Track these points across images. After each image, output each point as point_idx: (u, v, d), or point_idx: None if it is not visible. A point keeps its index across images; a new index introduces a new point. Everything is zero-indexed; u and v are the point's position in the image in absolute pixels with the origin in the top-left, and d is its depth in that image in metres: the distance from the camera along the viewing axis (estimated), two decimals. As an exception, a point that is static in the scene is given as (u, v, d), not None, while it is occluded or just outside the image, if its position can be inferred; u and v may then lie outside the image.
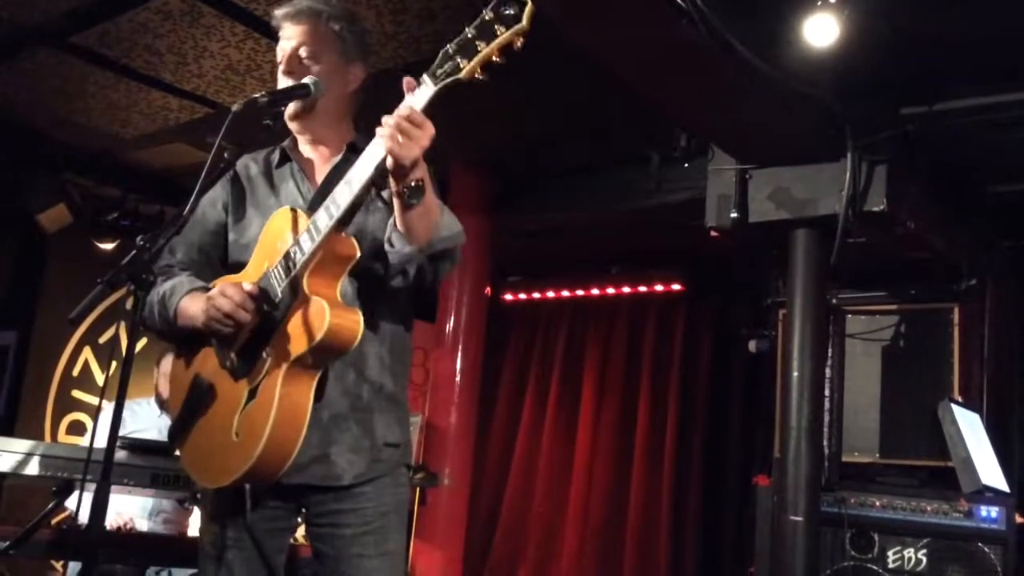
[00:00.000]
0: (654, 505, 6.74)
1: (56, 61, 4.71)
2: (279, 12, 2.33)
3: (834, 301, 4.31)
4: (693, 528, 6.65)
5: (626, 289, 7.08)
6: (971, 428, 4.06)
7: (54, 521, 3.33)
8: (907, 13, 3.30)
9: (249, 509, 2.16)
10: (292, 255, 2.08)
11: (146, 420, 4.37)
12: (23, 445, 3.04)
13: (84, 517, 2.28)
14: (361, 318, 2.07)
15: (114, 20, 4.23)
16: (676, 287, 6.84)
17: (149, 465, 3.11)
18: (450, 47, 1.92)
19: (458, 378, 5.65)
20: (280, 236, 2.16)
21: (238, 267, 2.30)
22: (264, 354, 2.09)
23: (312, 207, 2.24)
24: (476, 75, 1.90)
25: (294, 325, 2.06)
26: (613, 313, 7.31)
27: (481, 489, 7.03)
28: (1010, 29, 3.36)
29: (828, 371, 4.11)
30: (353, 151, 2.33)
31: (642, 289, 7.01)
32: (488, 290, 6.00)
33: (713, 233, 4.14)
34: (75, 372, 6.61)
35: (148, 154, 5.95)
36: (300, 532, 2.99)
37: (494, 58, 1.89)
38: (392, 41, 4.16)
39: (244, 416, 2.10)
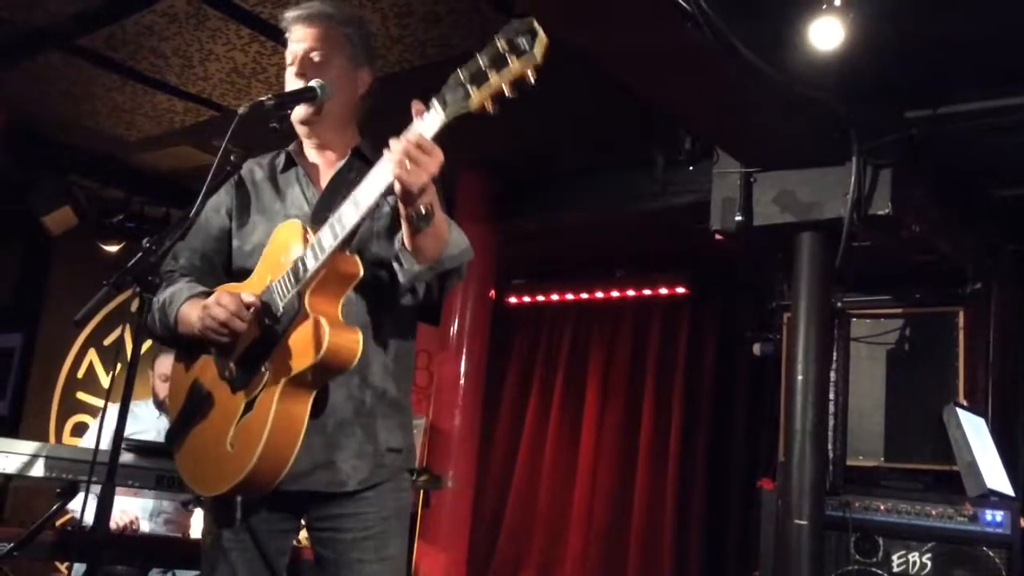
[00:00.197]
0: (658, 508, 6.73)
1: (62, 63, 4.73)
2: (290, 14, 2.33)
3: (839, 304, 4.30)
4: (697, 531, 6.64)
5: (630, 292, 7.09)
6: (976, 432, 4.05)
7: (58, 523, 3.33)
8: (912, 16, 3.30)
9: (239, 519, 2.17)
10: (295, 271, 2.08)
11: (146, 422, 4.38)
12: (28, 447, 3.04)
13: (88, 519, 2.29)
14: (361, 338, 2.07)
15: (120, 23, 4.24)
16: (680, 290, 6.84)
17: (154, 467, 3.11)
18: (461, 72, 1.88)
19: (462, 381, 5.65)
20: (284, 249, 2.16)
21: (242, 273, 2.30)
22: (263, 368, 2.10)
23: (317, 212, 2.25)
24: (486, 106, 1.88)
25: (294, 342, 2.06)
26: (617, 316, 7.31)
27: (485, 491, 7.03)
28: (1015, 32, 3.36)
29: (833, 375, 4.11)
30: (358, 156, 2.34)
31: (646, 292, 7.01)
32: (492, 293, 6.00)
33: (718, 236, 4.14)
34: (80, 374, 6.63)
35: (153, 157, 5.96)
36: (303, 535, 2.99)
37: (504, 91, 1.86)
38: (397, 44, 4.17)
39: (240, 428, 2.10)
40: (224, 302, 2.09)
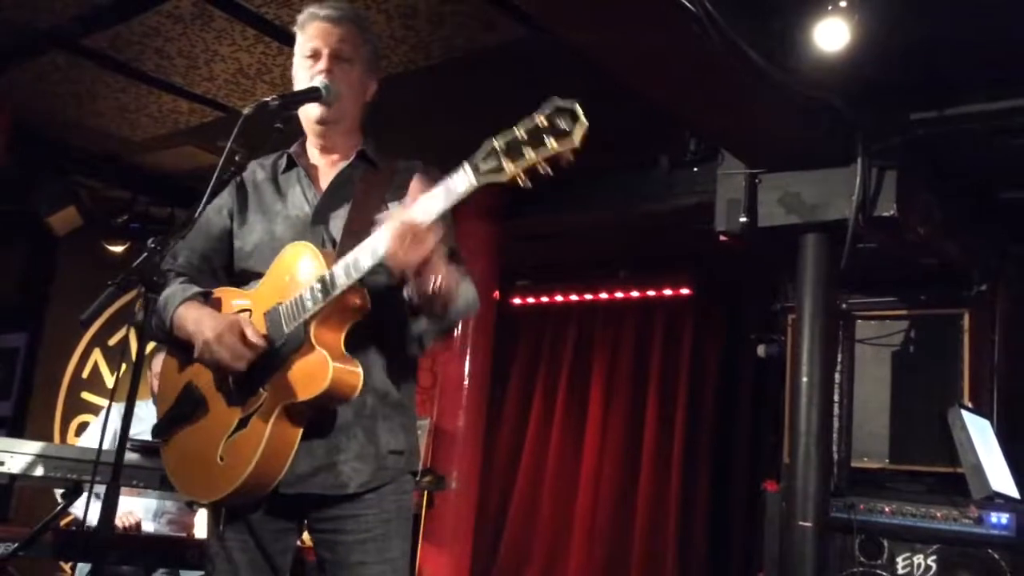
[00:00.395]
0: (662, 509, 6.73)
1: (67, 64, 4.73)
2: (320, 12, 2.32)
3: (844, 306, 4.30)
4: (701, 533, 6.63)
5: (634, 293, 7.08)
6: (981, 434, 4.04)
7: (62, 523, 3.34)
8: (917, 18, 3.29)
9: (222, 527, 2.19)
10: (304, 302, 2.08)
11: (147, 422, 4.34)
12: (33, 447, 3.05)
13: (91, 520, 2.29)
14: (361, 372, 2.09)
15: (126, 23, 4.24)
16: (685, 291, 6.83)
17: (157, 467, 3.11)
18: (496, 142, 1.90)
19: (466, 382, 5.65)
20: (294, 272, 2.15)
21: (243, 275, 2.30)
22: (262, 390, 2.11)
23: (317, 214, 2.26)
24: (519, 180, 1.89)
25: (296, 372, 2.07)
26: (621, 317, 7.31)
27: (489, 492, 7.03)
28: (1021, 34, 3.35)
29: (838, 376, 4.10)
30: (363, 159, 2.36)
31: (651, 293, 7.00)
32: (496, 294, 6.00)
33: (722, 237, 4.13)
34: (85, 374, 6.63)
35: (158, 157, 5.97)
36: (306, 536, 3.00)
37: (539, 169, 1.87)
38: (402, 45, 4.17)
39: (231, 443, 2.12)
40: (229, 344, 2.09)
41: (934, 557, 3.78)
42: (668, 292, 6.90)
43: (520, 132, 1.88)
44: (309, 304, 2.07)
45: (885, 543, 3.88)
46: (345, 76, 2.29)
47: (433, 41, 4.12)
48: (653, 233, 6.02)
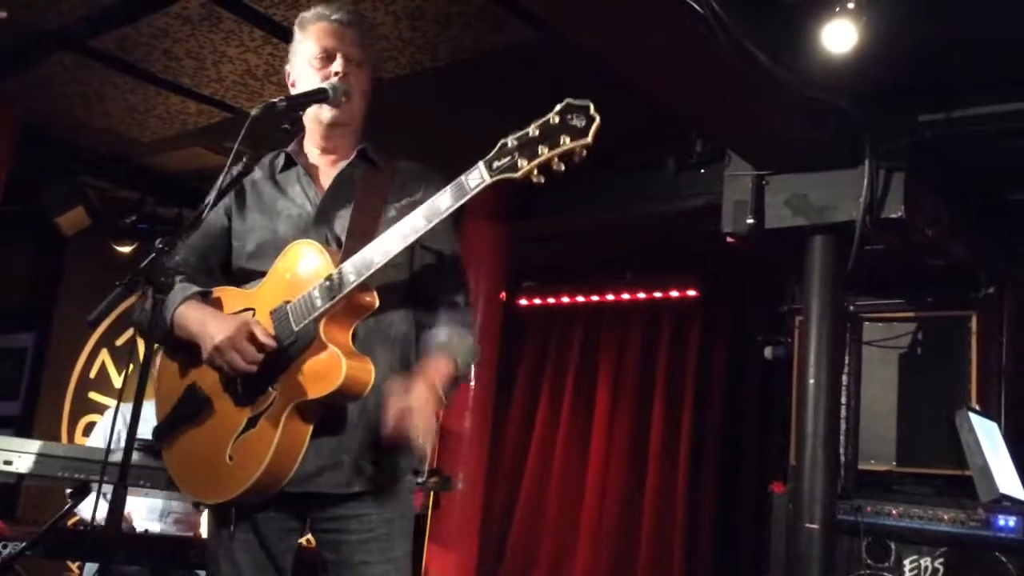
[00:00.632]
0: (668, 511, 6.71)
1: (75, 65, 4.75)
2: (331, 14, 2.34)
3: (851, 308, 4.29)
4: (708, 535, 6.62)
5: (641, 294, 7.07)
6: (989, 436, 4.03)
7: (70, 523, 3.35)
8: (926, 20, 3.28)
9: (232, 526, 2.19)
10: (313, 301, 2.09)
11: (153, 423, 4.36)
12: (40, 446, 3.06)
13: (97, 520, 2.29)
14: (373, 369, 2.10)
15: (134, 24, 4.26)
16: (691, 293, 6.82)
17: (164, 467, 3.12)
18: (510, 141, 1.95)
19: (472, 382, 5.65)
20: (296, 269, 2.16)
21: (242, 274, 2.30)
22: (271, 389, 2.11)
23: (320, 213, 2.27)
24: (532, 177, 1.92)
25: (308, 370, 2.08)
26: (628, 318, 7.29)
27: (495, 493, 7.03)
28: (1030, 35, 3.35)
29: (845, 378, 4.09)
30: (364, 158, 2.37)
31: (657, 295, 6.99)
32: (503, 295, 6.00)
33: (729, 239, 4.13)
34: (92, 374, 6.65)
35: (166, 158, 5.98)
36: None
37: (553, 165, 1.91)
38: (409, 47, 4.17)
39: (241, 443, 2.12)
40: (242, 349, 2.09)
41: (941, 560, 3.77)
42: (675, 294, 6.89)
43: (533, 131, 1.92)
44: (319, 302, 2.07)
45: (892, 545, 3.86)
46: (356, 79, 2.32)
47: (440, 42, 4.12)
48: (660, 234, 6.01)
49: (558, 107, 1.91)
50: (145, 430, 4.33)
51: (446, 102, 4.74)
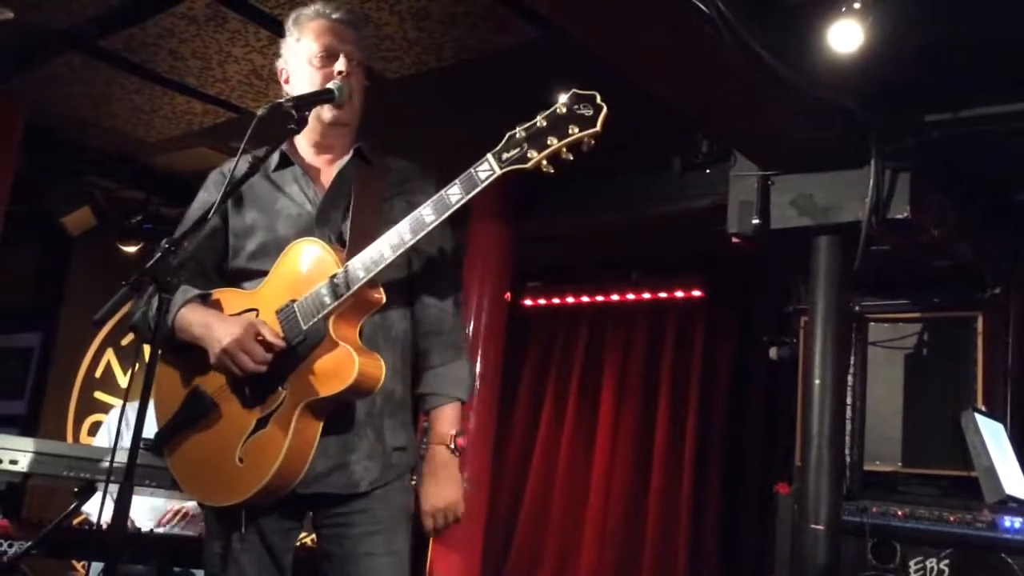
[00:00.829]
0: (673, 512, 6.71)
1: (82, 65, 4.76)
2: (331, 13, 2.33)
3: (857, 308, 4.28)
4: (712, 536, 6.61)
5: (646, 295, 7.06)
6: (994, 437, 4.02)
7: (75, 522, 3.35)
8: (932, 20, 3.28)
9: (244, 528, 2.19)
10: (323, 299, 2.08)
11: (155, 423, 4.37)
12: (45, 445, 3.06)
13: (103, 519, 2.29)
14: (384, 364, 2.11)
15: (140, 25, 4.26)
16: (697, 293, 6.81)
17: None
18: (519, 132, 1.96)
19: (477, 382, 5.64)
20: (300, 267, 2.15)
21: (240, 274, 2.28)
22: (280, 388, 2.10)
23: (321, 212, 2.26)
24: (542, 167, 1.93)
25: (319, 368, 2.07)
26: (633, 319, 7.29)
27: (500, 494, 7.02)
28: (1036, 36, 3.34)
29: (850, 379, 4.09)
30: (360, 156, 2.37)
31: (662, 295, 6.99)
32: (508, 295, 5.99)
33: (735, 239, 4.13)
34: (98, 374, 6.66)
35: (172, 158, 5.99)
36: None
37: (562, 154, 1.92)
38: (415, 47, 4.17)
39: (251, 444, 2.11)
40: (250, 349, 2.09)
41: (947, 561, 3.76)
42: (680, 294, 6.89)
43: (541, 121, 1.94)
44: (328, 300, 2.07)
45: (897, 546, 3.85)
46: (357, 78, 2.32)
47: (445, 42, 4.13)
48: (665, 235, 6.01)
49: (565, 97, 1.93)
50: (147, 431, 4.35)
51: (451, 102, 4.74)
